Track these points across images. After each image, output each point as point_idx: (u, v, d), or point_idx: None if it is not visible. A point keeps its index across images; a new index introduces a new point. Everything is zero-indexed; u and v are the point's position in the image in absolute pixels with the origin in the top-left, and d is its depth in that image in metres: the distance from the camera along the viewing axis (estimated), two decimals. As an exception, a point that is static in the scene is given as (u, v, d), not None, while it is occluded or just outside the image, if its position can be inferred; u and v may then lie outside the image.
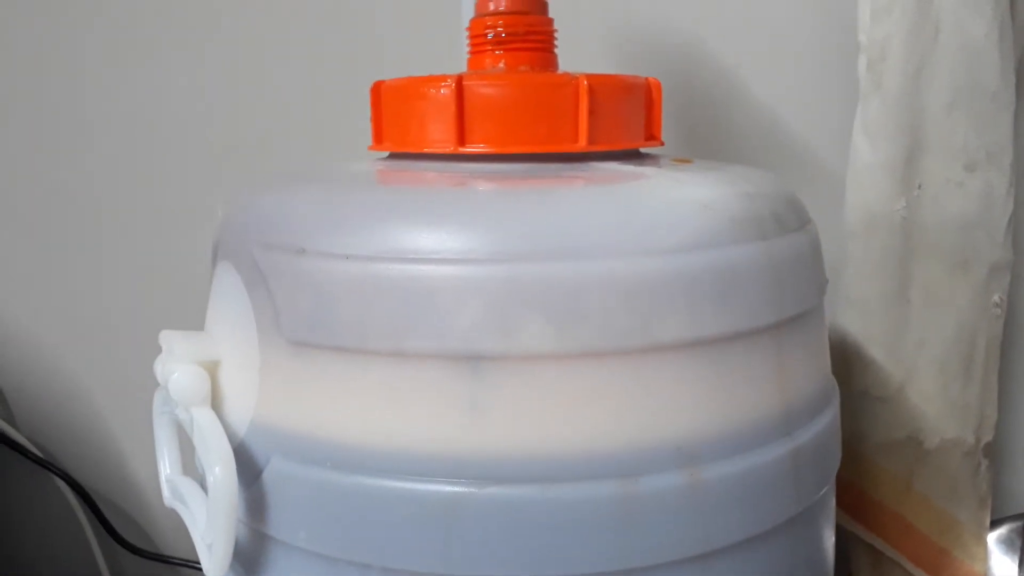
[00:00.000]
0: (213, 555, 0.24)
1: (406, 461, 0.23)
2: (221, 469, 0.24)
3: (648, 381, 0.23)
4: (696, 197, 0.25)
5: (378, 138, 0.30)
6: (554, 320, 0.22)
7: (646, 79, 0.30)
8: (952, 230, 0.37)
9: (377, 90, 0.29)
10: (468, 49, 0.30)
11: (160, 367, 0.27)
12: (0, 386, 0.53)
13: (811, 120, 0.43)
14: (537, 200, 0.24)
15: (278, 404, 0.25)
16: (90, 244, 0.51)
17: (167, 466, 0.29)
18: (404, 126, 0.29)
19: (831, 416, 0.28)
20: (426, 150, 0.28)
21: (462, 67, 0.31)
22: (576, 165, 0.28)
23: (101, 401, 0.53)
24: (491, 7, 0.30)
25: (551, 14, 0.30)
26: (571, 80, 0.27)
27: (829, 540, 0.29)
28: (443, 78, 0.27)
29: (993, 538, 0.41)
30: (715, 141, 0.44)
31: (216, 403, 0.26)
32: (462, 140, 0.27)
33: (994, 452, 0.40)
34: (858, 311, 0.38)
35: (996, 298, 0.38)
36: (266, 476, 0.25)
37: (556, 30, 0.30)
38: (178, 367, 0.26)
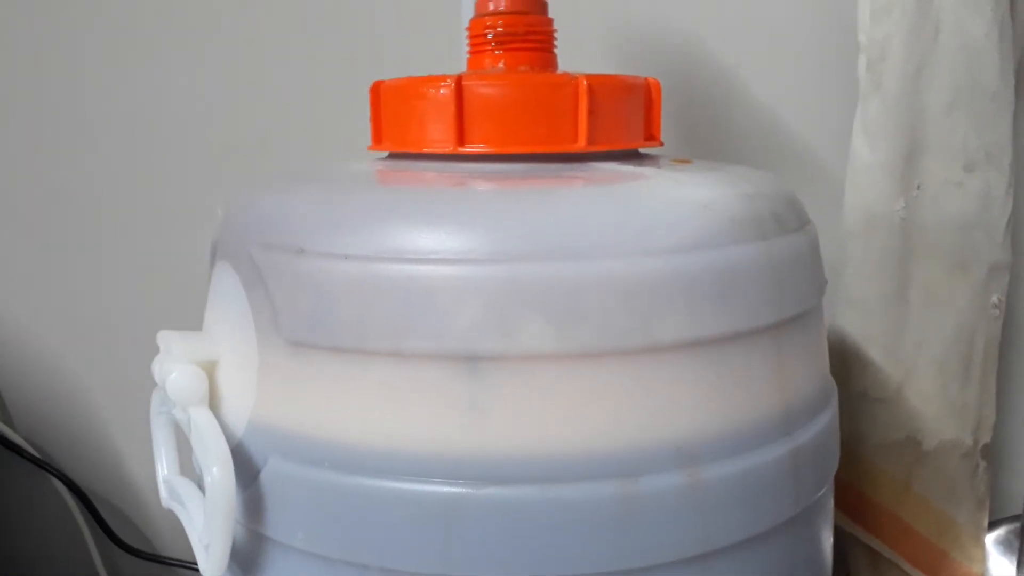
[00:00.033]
0: (210, 556, 0.24)
1: (405, 461, 0.23)
2: (219, 469, 0.24)
3: (648, 381, 0.23)
4: (695, 197, 0.25)
5: (377, 138, 0.30)
6: (554, 320, 0.22)
7: (645, 79, 0.30)
8: (951, 230, 0.37)
9: (376, 90, 0.29)
10: (468, 49, 0.30)
11: (158, 367, 0.27)
12: (-2, 386, 0.53)
13: (811, 120, 0.43)
14: (536, 200, 0.24)
15: (276, 404, 0.25)
16: (89, 244, 0.51)
17: (164, 466, 0.29)
18: (403, 126, 0.29)
19: (830, 416, 0.28)
20: (425, 150, 0.28)
21: (462, 67, 0.31)
22: (575, 165, 0.28)
23: (99, 401, 0.53)
24: (491, 7, 0.30)
25: (551, 14, 0.30)
26: (571, 80, 0.27)
27: (828, 541, 0.29)
28: (442, 78, 0.27)
29: (991, 539, 0.41)
30: (715, 141, 0.44)
31: (214, 403, 0.26)
32: (461, 140, 0.27)
33: (992, 453, 0.40)
34: (857, 311, 0.38)
35: (995, 299, 0.38)
36: (264, 476, 0.24)
37: (556, 30, 0.30)
38: (176, 367, 0.26)
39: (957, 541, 0.40)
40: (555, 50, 0.31)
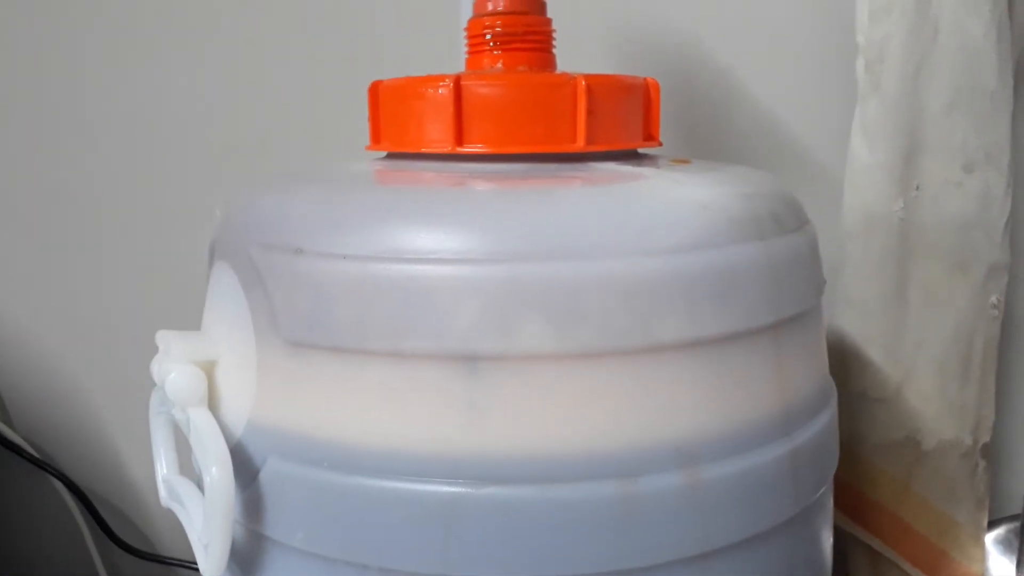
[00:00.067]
0: (210, 555, 0.24)
1: (404, 461, 0.23)
2: (218, 469, 0.24)
3: (647, 381, 0.23)
4: (694, 197, 0.25)
5: (376, 138, 0.30)
6: (553, 320, 0.22)
7: (644, 79, 0.30)
8: (950, 231, 0.37)
9: (375, 90, 0.29)
10: (466, 49, 0.30)
11: (157, 367, 0.27)
12: (-2, 386, 0.53)
13: (810, 120, 0.43)
14: (535, 200, 0.24)
15: (275, 404, 0.25)
16: (89, 244, 0.51)
17: (164, 466, 0.29)
18: (402, 126, 0.29)
19: (829, 416, 0.28)
20: (424, 150, 0.28)
21: (461, 67, 0.31)
22: (574, 165, 0.28)
23: (98, 401, 0.53)
24: (489, 7, 0.30)
25: (550, 14, 0.30)
26: (569, 80, 0.27)
27: (827, 541, 0.29)
28: (441, 78, 0.27)
29: (991, 539, 0.41)
30: (715, 141, 0.44)
31: (213, 403, 0.26)
32: (460, 140, 0.27)
33: (991, 453, 0.40)
34: (856, 312, 0.38)
35: (994, 299, 0.38)
36: (263, 476, 0.24)
37: (554, 30, 0.30)
38: (175, 367, 0.26)
39: (957, 541, 0.40)
40: (554, 50, 0.31)
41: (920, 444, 0.38)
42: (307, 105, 0.47)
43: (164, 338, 0.27)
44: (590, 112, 0.27)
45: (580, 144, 0.27)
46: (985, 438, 0.40)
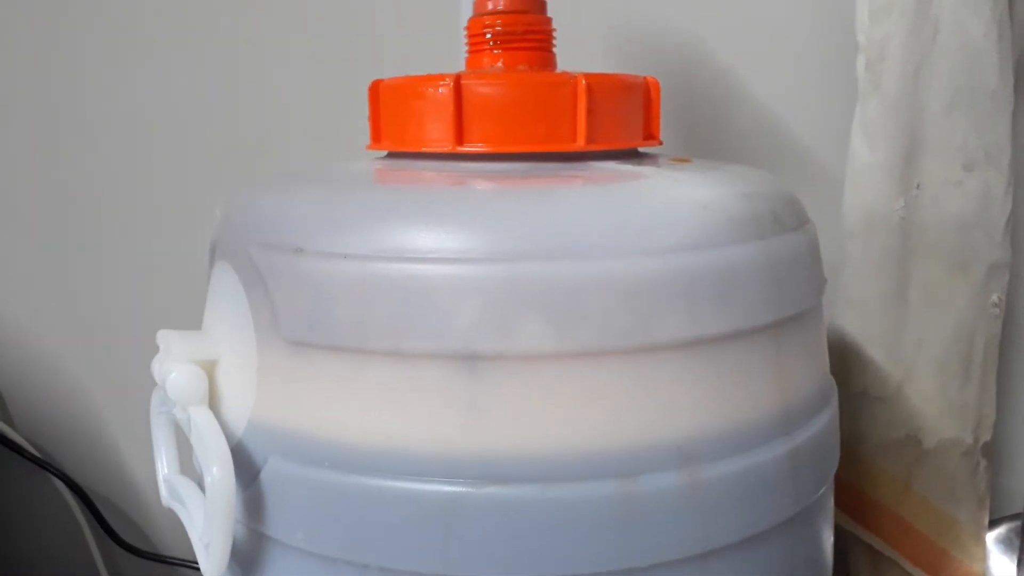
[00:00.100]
0: (211, 555, 0.24)
1: (405, 461, 0.23)
2: (219, 469, 0.24)
3: (647, 381, 0.23)
4: (694, 197, 0.25)
5: (376, 137, 0.30)
6: (553, 320, 0.22)
7: (644, 78, 0.30)
8: (951, 230, 0.37)
9: (375, 89, 0.29)
10: (467, 48, 0.30)
11: (157, 367, 0.27)
12: (-1, 386, 0.53)
13: (810, 120, 0.43)
14: (536, 200, 0.24)
15: (276, 404, 0.25)
16: (90, 244, 0.51)
17: (165, 466, 0.29)
18: (402, 125, 0.29)
19: (829, 416, 0.28)
20: (424, 149, 0.28)
21: (461, 67, 0.31)
22: (574, 164, 0.28)
23: (99, 401, 0.53)
24: (489, 6, 0.30)
25: (551, 13, 0.30)
26: (569, 79, 0.27)
27: (828, 540, 0.29)
28: (441, 77, 0.27)
29: (991, 538, 0.41)
30: (715, 141, 0.44)
31: (214, 403, 0.26)
32: (460, 139, 0.27)
33: (992, 452, 0.40)
34: (857, 311, 0.38)
35: (994, 298, 0.38)
36: (264, 476, 0.24)
37: (555, 29, 0.30)
38: (176, 367, 0.26)
39: (958, 540, 0.40)
40: (554, 49, 0.31)
41: (921, 443, 0.38)
42: (307, 105, 0.47)
43: (165, 338, 0.27)
44: (590, 111, 0.27)
45: (580, 143, 0.27)
46: (986, 437, 0.40)
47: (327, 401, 0.24)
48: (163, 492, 0.29)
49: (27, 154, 0.50)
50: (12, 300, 0.52)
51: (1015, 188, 0.37)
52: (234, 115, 0.48)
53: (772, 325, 0.25)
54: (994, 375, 0.39)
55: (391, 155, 0.31)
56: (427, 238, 0.23)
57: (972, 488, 0.40)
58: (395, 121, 0.29)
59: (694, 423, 0.23)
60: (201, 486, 0.26)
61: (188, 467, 0.29)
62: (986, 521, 0.40)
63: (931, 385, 0.38)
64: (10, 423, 0.51)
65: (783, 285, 0.25)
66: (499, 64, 0.29)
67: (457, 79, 0.27)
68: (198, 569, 0.26)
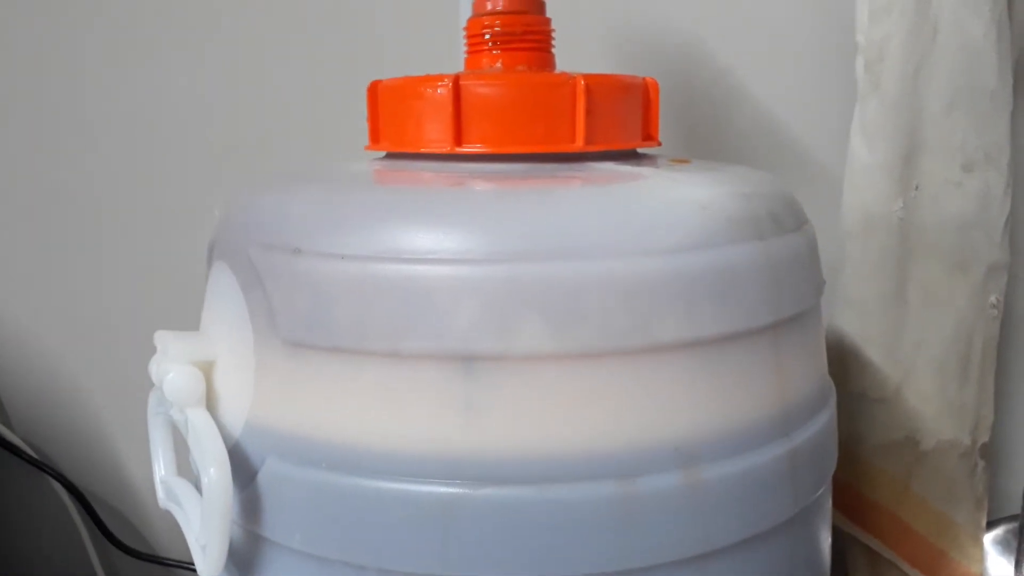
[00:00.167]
0: (207, 556, 0.24)
1: (403, 462, 0.23)
2: (216, 470, 0.24)
3: (647, 381, 0.23)
4: (693, 197, 0.25)
5: (375, 138, 0.30)
6: (552, 320, 0.22)
7: (643, 79, 0.30)
8: (950, 231, 0.37)
9: (374, 90, 0.29)
10: (465, 49, 0.30)
11: (155, 367, 0.27)
12: (-3, 387, 0.53)
13: (810, 120, 0.43)
14: (535, 200, 0.24)
15: (274, 405, 0.25)
16: (89, 244, 0.51)
17: (162, 467, 0.29)
18: (401, 126, 0.28)
19: (828, 416, 0.28)
20: (423, 150, 0.28)
21: (460, 67, 0.31)
22: (573, 165, 0.28)
23: (96, 402, 0.53)
24: (488, 7, 0.30)
25: (550, 14, 0.30)
26: (568, 80, 0.27)
27: (826, 541, 0.29)
28: (440, 78, 0.27)
29: (989, 539, 0.41)
30: (714, 141, 0.44)
31: (211, 404, 0.26)
32: (459, 140, 0.27)
33: (990, 453, 0.40)
34: (856, 312, 0.38)
35: (993, 299, 0.38)
36: (261, 477, 0.24)
37: (554, 30, 0.30)
38: (173, 367, 0.25)
39: (956, 541, 0.40)
40: (553, 50, 0.31)
41: (919, 444, 0.38)
42: (307, 105, 0.47)
43: (162, 338, 0.27)
44: (589, 112, 0.27)
45: (579, 144, 0.27)
46: (984, 438, 0.40)
47: (325, 402, 0.24)
48: (160, 493, 0.29)
49: (27, 154, 0.50)
50: (12, 300, 0.52)
51: (1014, 188, 0.37)
52: (234, 115, 0.48)
53: (771, 326, 0.25)
54: (992, 376, 0.39)
55: (390, 156, 0.31)
56: (426, 239, 0.23)
57: (970, 489, 0.40)
58: (394, 122, 0.29)
59: (693, 424, 0.23)
60: (198, 487, 0.26)
61: (185, 468, 0.29)
62: (984, 522, 0.40)
63: (930, 386, 0.38)
64: (8, 424, 0.51)
65: (782, 286, 0.25)
66: (498, 65, 0.29)
67: (456, 80, 0.27)
68: (195, 571, 0.26)
